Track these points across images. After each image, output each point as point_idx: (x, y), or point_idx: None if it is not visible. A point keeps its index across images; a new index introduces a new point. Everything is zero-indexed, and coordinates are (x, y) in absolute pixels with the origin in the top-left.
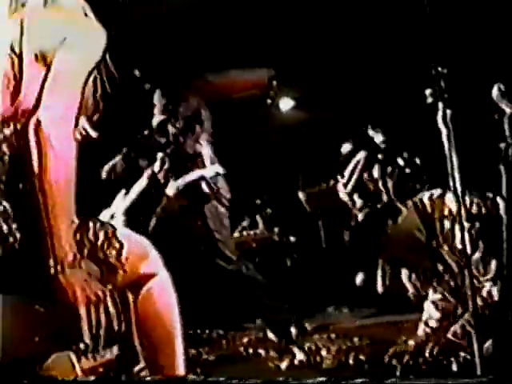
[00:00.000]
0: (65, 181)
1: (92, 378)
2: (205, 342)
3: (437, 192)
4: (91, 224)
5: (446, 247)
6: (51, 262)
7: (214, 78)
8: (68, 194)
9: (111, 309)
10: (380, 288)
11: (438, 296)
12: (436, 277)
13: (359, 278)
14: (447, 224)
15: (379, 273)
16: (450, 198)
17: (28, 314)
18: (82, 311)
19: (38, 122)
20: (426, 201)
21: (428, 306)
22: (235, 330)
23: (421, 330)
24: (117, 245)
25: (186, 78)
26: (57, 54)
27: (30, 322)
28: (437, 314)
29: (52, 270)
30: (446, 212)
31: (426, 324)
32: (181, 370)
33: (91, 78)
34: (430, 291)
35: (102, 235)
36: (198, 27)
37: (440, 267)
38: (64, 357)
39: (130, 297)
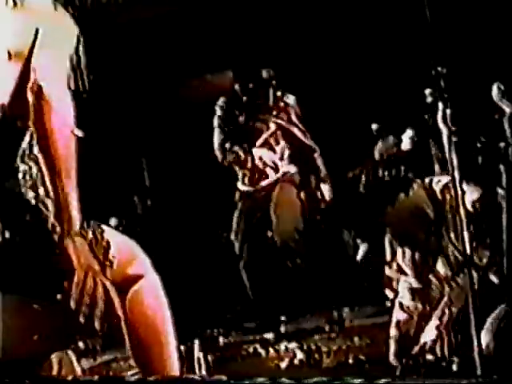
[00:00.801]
0: (64, 145)
1: (94, 377)
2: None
3: (444, 179)
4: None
5: (451, 233)
6: (57, 228)
7: (212, 78)
8: (70, 158)
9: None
10: (388, 257)
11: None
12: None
13: (361, 251)
14: (452, 213)
15: (387, 243)
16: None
17: (27, 314)
18: (78, 279)
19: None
20: (434, 185)
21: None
22: (236, 330)
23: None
24: (104, 243)
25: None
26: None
27: (29, 322)
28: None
29: (59, 233)
30: (450, 201)
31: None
32: (174, 370)
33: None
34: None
35: (90, 234)
36: (197, 28)
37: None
38: (64, 356)
39: (117, 298)
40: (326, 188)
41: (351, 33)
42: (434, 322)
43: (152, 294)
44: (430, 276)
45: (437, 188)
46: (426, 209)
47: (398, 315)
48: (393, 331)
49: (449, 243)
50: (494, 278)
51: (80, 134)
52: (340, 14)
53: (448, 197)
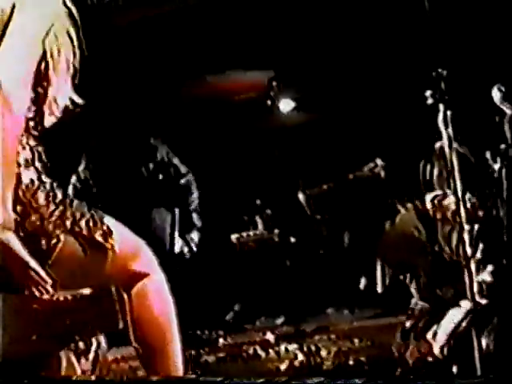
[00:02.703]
0: (12, 148)
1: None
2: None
3: (438, 194)
4: (76, 203)
5: (447, 249)
6: None
7: (213, 79)
8: (13, 162)
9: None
10: (380, 289)
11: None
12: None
13: (363, 283)
14: (447, 227)
15: (378, 274)
16: (450, 200)
17: (27, 313)
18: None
19: None
20: (428, 203)
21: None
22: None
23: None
24: (104, 227)
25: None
26: (12, 17)
27: (29, 321)
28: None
29: None
30: (448, 214)
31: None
32: (179, 371)
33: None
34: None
35: (87, 214)
36: (197, 28)
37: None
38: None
39: (125, 295)
40: None
41: (351, 34)
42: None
43: (157, 294)
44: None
45: (429, 205)
46: (416, 233)
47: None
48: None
49: (447, 257)
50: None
51: (80, 100)
52: (340, 14)
53: (440, 212)
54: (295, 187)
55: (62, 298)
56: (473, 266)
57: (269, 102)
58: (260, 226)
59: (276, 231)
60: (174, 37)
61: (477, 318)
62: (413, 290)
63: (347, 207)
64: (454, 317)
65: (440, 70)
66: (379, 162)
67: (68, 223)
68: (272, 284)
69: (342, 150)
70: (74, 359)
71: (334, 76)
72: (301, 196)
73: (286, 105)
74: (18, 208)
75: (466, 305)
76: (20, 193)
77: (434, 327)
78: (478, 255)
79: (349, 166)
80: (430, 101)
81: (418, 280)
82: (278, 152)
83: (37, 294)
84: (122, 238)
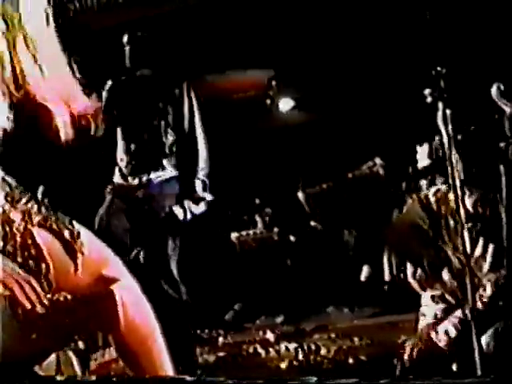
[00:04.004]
0: None
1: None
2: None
3: (443, 188)
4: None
5: (449, 244)
6: None
7: (212, 78)
8: None
9: None
10: (387, 277)
11: (438, 292)
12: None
13: (365, 272)
14: (451, 221)
15: (385, 262)
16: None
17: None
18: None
19: None
20: (431, 196)
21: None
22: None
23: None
24: (71, 227)
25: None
26: None
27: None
28: (432, 311)
29: None
30: (450, 209)
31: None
32: (168, 371)
33: None
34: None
35: (53, 215)
36: (197, 27)
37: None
38: (63, 356)
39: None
40: None
41: (350, 32)
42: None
43: (130, 297)
44: (439, 288)
45: (433, 199)
46: (422, 224)
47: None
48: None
49: (450, 252)
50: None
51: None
52: (339, 13)
53: (444, 207)
54: (295, 186)
55: (61, 299)
56: (472, 264)
57: (268, 102)
58: (260, 225)
59: (275, 230)
60: (173, 37)
61: (477, 319)
62: (413, 282)
63: (347, 206)
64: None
65: (439, 69)
66: (378, 160)
67: (38, 218)
68: (272, 283)
69: (341, 149)
70: (74, 359)
71: (334, 75)
72: (300, 195)
73: (285, 104)
74: None
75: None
76: None
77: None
78: (477, 253)
79: (348, 164)
80: (429, 99)
81: (421, 271)
82: (277, 150)
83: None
84: (90, 242)
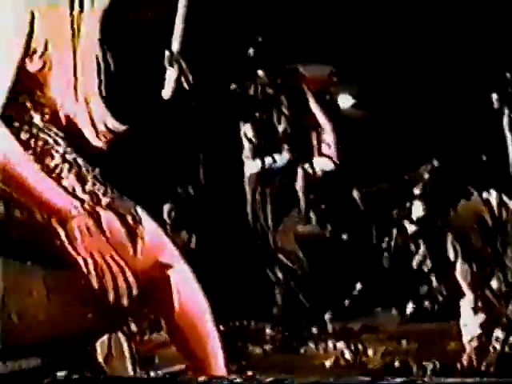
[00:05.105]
0: None
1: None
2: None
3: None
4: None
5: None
6: None
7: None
8: None
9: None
10: (452, 257)
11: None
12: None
13: (419, 255)
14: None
15: (449, 248)
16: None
17: (77, 290)
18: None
19: None
20: (493, 200)
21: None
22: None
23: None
24: (134, 212)
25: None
26: None
27: (80, 297)
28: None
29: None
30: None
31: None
32: (221, 369)
33: None
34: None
35: (118, 198)
36: (257, 23)
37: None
38: (114, 338)
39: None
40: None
41: (416, 31)
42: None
43: (183, 283)
44: (486, 292)
45: (494, 202)
46: (486, 217)
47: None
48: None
49: (506, 258)
50: None
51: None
52: (405, 11)
53: (505, 212)
54: (350, 184)
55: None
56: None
57: (327, 97)
58: (313, 221)
59: (329, 227)
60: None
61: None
62: (460, 279)
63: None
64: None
65: (508, 75)
66: (436, 162)
67: (106, 200)
68: (321, 280)
69: (399, 150)
70: (124, 342)
71: (397, 75)
72: (355, 193)
73: (345, 100)
74: None
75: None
76: None
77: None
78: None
79: (405, 166)
80: (496, 105)
81: (470, 268)
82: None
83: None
84: (150, 228)
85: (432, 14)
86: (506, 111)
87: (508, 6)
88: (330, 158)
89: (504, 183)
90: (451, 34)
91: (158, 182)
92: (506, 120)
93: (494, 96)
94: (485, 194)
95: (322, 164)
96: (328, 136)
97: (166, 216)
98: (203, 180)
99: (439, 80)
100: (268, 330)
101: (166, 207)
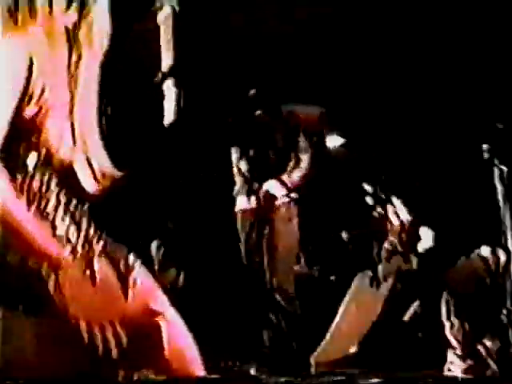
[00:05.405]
0: None
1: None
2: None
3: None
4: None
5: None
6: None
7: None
8: None
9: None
10: (444, 316)
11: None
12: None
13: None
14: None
15: (443, 305)
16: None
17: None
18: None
19: None
20: (489, 259)
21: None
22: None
23: None
24: (127, 259)
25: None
26: None
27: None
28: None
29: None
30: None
31: None
32: None
33: None
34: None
35: (113, 244)
36: (252, 62)
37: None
38: None
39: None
40: None
41: (406, 80)
42: None
43: (173, 329)
44: (479, 347)
45: (492, 261)
46: (484, 276)
47: None
48: None
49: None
50: None
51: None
52: (395, 57)
53: (501, 270)
54: (338, 227)
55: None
56: None
57: (314, 138)
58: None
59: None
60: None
61: None
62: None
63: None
64: None
65: (498, 125)
66: None
67: (99, 246)
68: (310, 321)
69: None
70: None
71: (388, 121)
72: (344, 235)
73: (333, 140)
74: None
75: None
76: None
77: None
78: None
79: None
80: (486, 155)
81: (463, 326)
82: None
83: None
84: (142, 274)
85: (423, 63)
86: (497, 162)
87: (499, 57)
88: (284, 184)
89: (496, 238)
90: (442, 83)
91: (146, 218)
92: (496, 172)
93: (485, 146)
94: (484, 253)
95: (270, 186)
96: (298, 171)
97: (153, 253)
98: (193, 216)
99: (429, 130)
100: (252, 371)
101: (154, 244)
